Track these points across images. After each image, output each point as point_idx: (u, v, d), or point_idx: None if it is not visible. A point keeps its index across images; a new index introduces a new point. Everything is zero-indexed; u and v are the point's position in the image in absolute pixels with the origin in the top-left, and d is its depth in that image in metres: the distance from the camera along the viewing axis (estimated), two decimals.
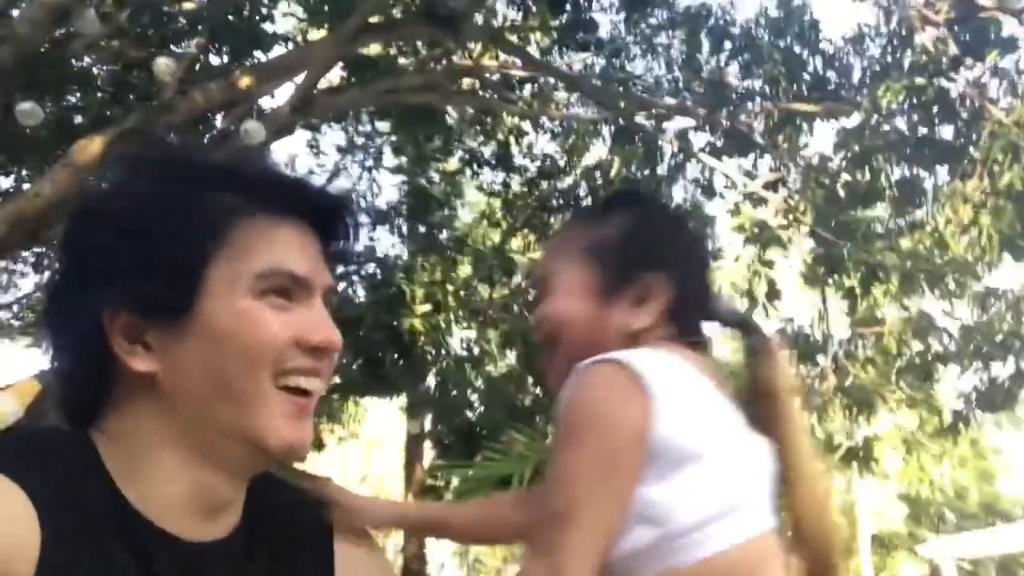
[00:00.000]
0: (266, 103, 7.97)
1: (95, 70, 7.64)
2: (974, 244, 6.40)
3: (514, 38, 8.15)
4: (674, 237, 1.07)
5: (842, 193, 7.15)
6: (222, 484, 0.73)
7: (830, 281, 7.51)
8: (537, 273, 1.10)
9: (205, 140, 7.67)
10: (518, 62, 8.48)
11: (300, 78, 7.16)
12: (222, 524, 0.75)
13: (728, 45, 8.49)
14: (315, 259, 0.76)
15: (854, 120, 7.32)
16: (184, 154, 0.79)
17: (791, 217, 7.80)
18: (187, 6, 7.21)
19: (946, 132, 7.23)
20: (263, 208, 0.74)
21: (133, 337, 0.70)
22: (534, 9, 8.28)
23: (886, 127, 6.91)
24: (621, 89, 8.58)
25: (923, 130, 7.13)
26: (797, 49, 8.03)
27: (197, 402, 0.71)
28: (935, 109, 6.98)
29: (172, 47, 7.40)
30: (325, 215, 0.78)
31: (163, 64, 5.99)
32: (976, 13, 6.62)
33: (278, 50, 7.74)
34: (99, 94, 7.51)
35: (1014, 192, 6.23)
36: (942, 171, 7.18)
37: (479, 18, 7.56)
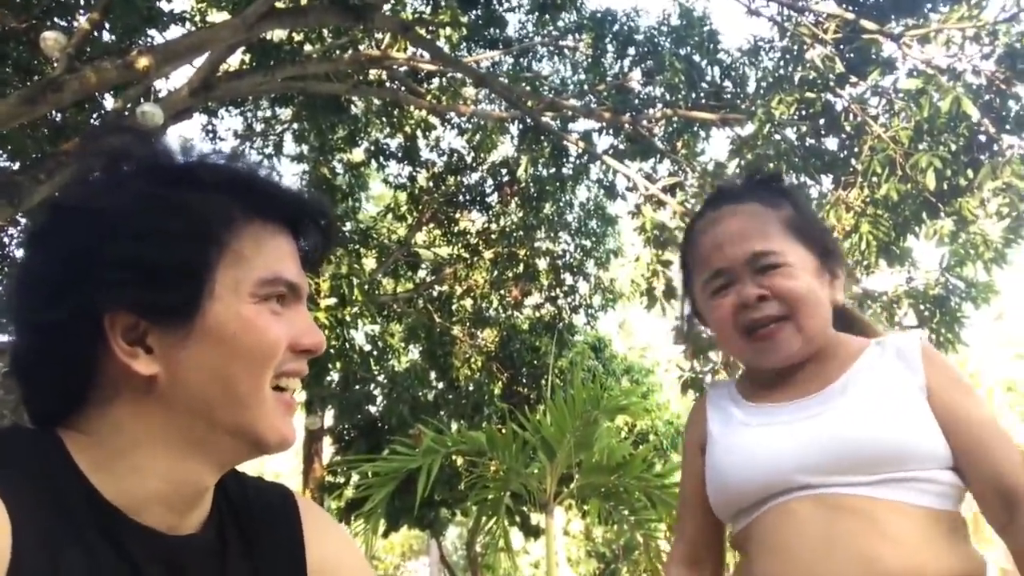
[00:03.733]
0: (162, 84, 7.63)
1: None
2: (854, 249, 6.83)
3: (423, 32, 8.10)
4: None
5: None
6: (205, 476, 0.75)
7: None
8: (752, 249, 1.19)
9: (96, 120, 7.26)
10: (427, 55, 8.44)
11: (200, 60, 6.89)
12: (196, 517, 0.76)
13: (631, 51, 8.74)
14: (299, 264, 0.79)
15: (748, 129, 7.68)
16: (176, 155, 0.77)
17: (688, 220, 8.10)
18: None
19: (831, 144, 7.71)
20: (256, 213, 0.75)
21: (133, 339, 0.70)
22: (444, 4, 8.26)
23: (777, 137, 7.27)
24: (528, 88, 8.69)
25: (811, 141, 7.57)
26: (696, 58, 8.34)
27: (199, 403, 0.72)
28: (822, 122, 7.41)
29: (58, 20, 6.95)
30: (302, 220, 0.81)
31: (52, 39, 5.63)
32: (860, 35, 7.07)
33: (175, 30, 7.42)
34: None
35: (891, 202, 6.72)
36: (827, 180, 7.64)
37: (388, 9, 7.47)
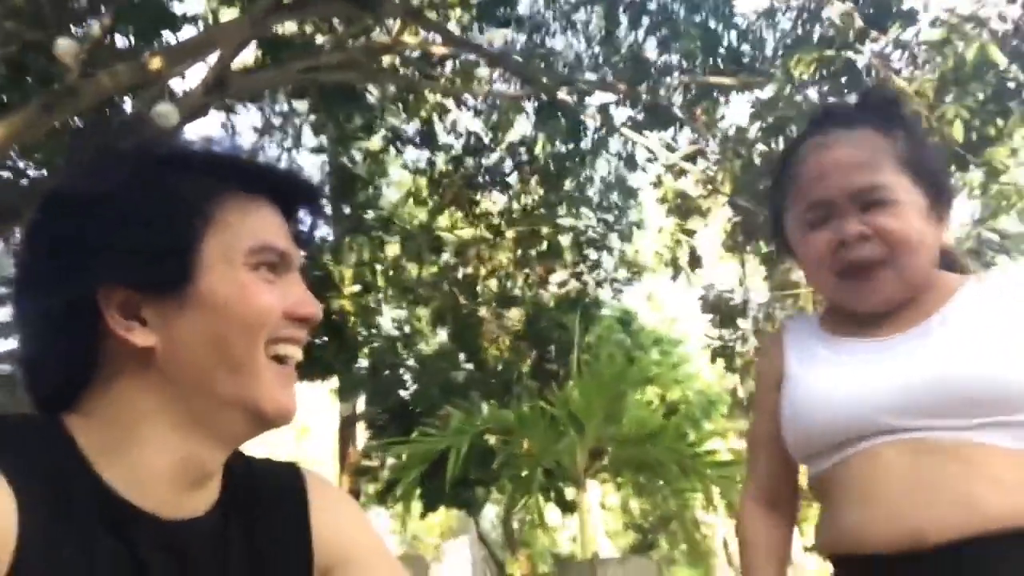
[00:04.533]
0: (177, 85, 7.69)
1: None
2: None
3: (433, 14, 8.05)
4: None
5: (758, 162, 7.37)
6: (210, 453, 0.76)
7: (748, 248, 7.76)
8: (859, 183, 1.10)
9: (114, 124, 7.36)
10: (438, 39, 8.40)
11: (213, 58, 6.93)
12: (203, 498, 0.77)
13: (645, 20, 8.60)
14: (288, 236, 0.80)
15: (768, 92, 7.54)
16: (157, 141, 0.82)
17: (711, 187, 8.02)
18: None
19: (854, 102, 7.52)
20: (239, 187, 0.77)
21: (128, 314, 0.72)
22: None
23: (798, 97, 7.13)
24: (543, 65, 8.61)
25: (833, 100, 7.40)
26: (712, 23, 8.19)
27: (196, 373, 0.73)
28: (844, 80, 7.25)
29: (73, 28, 7.04)
30: (290, 197, 0.82)
31: (65, 46, 5.70)
32: None
33: (188, 30, 7.46)
34: None
35: None
36: None
37: None
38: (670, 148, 8.53)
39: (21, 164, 7.80)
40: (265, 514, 0.82)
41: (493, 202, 11.00)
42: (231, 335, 0.73)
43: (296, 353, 0.78)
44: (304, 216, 0.83)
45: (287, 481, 0.86)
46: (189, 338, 0.72)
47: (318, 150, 10.33)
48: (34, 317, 0.74)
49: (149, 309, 0.72)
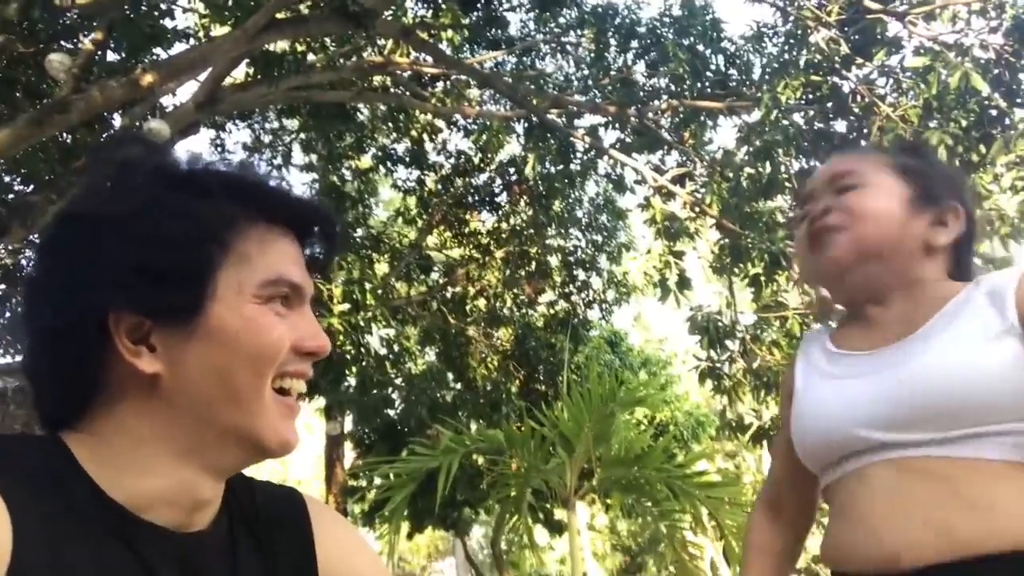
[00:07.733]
0: (168, 100, 7.69)
1: None
2: None
3: (425, 35, 8.12)
4: (964, 184, 1.23)
5: (745, 185, 7.45)
6: (206, 482, 0.75)
7: (736, 269, 7.81)
8: (837, 170, 1.20)
9: (105, 139, 7.34)
10: (430, 59, 8.46)
11: (205, 75, 6.94)
12: (204, 516, 0.77)
13: (634, 44, 8.71)
14: (304, 268, 0.79)
15: (755, 116, 7.63)
16: (180, 162, 0.78)
17: (698, 209, 8.08)
18: (80, 0, 6.85)
19: (840, 126, 7.65)
20: (259, 217, 0.76)
21: (137, 339, 0.71)
22: (444, 6, 8.28)
23: (785, 122, 7.21)
24: (533, 86, 8.68)
25: (819, 125, 7.51)
26: (700, 48, 8.30)
27: (200, 403, 0.72)
28: (829, 105, 7.36)
29: (64, 43, 7.04)
30: (307, 225, 0.81)
31: (57, 60, 5.69)
32: (864, 15, 7.02)
33: (179, 47, 7.47)
34: None
35: None
36: None
37: (389, 15, 7.49)
38: (658, 170, 8.60)
39: (7, 179, 7.76)
40: (269, 534, 0.82)
41: (482, 222, 11.05)
42: (238, 368, 0.72)
43: (301, 386, 0.78)
44: (320, 244, 0.83)
45: (288, 504, 0.87)
46: (196, 368, 0.72)
47: (308, 168, 10.35)
48: (43, 333, 0.73)
49: (158, 336, 0.71)
